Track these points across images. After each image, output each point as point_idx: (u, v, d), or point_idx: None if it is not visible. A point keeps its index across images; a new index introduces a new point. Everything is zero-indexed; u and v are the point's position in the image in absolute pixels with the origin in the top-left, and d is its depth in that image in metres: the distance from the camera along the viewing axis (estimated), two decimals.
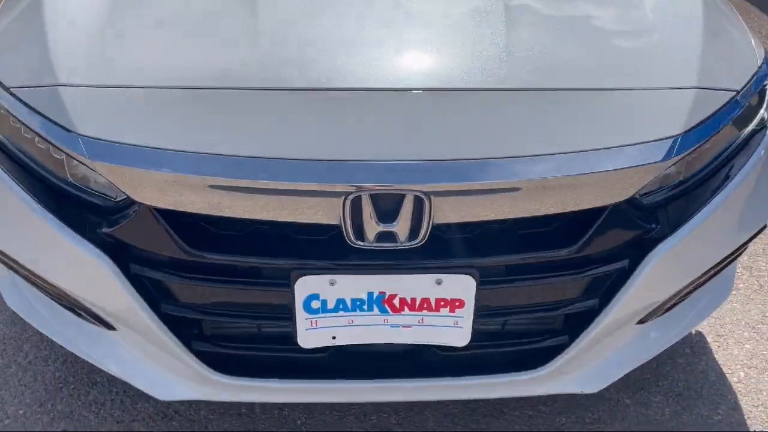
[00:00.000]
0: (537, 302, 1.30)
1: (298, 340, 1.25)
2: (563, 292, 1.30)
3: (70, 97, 1.23)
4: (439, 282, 1.20)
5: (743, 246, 1.50)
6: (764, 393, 1.71)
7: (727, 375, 1.76)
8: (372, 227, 1.16)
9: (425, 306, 1.23)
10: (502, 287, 1.26)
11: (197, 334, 1.33)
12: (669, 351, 1.62)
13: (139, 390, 1.40)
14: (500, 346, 1.37)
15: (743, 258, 2.12)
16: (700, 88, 1.30)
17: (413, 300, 1.22)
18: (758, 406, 1.68)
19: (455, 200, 1.16)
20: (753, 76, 1.42)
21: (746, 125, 1.40)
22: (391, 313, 1.24)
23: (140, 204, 1.18)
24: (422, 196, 1.13)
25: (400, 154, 1.15)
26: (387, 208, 1.15)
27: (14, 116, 1.25)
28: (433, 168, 1.14)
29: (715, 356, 1.82)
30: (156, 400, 1.54)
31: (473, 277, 1.20)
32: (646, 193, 1.26)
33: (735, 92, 1.35)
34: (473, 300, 1.22)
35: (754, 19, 4.25)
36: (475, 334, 1.27)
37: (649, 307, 1.37)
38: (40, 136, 1.22)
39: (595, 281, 1.29)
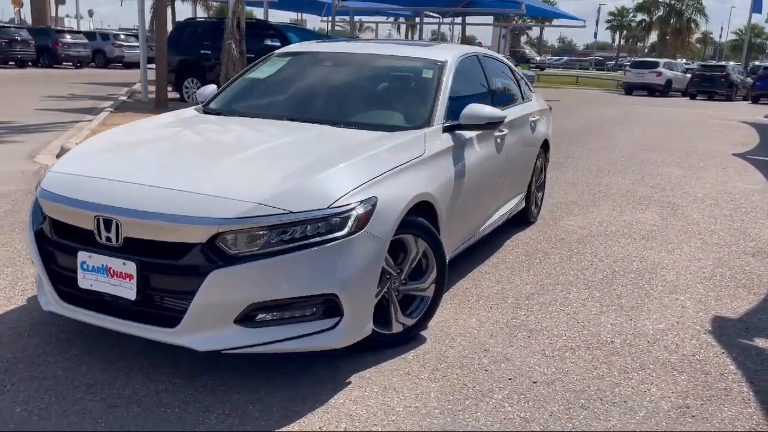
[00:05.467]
0: (171, 288, 2.79)
1: (78, 284, 2.91)
2: (184, 285, 2.76)
3: (51, 175, 3.18)
4: (124, 264, 2.80)
5: (302, 300, 2.78)
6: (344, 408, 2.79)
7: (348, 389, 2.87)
8: (103, 233, 2.83)
9: (120, 275, 2.82)
10: (150, 273, 2.78)
11: (59, 282, 3.06)
12: (331, 376, 2.88)
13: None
14: (157, 309, 2.84)
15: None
16: (261, 204, 2.75)
17: (116, 271, 2.82)
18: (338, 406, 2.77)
19: (131, 226, 2.78)
20: (313, 210, 2.79)
21: (304, 232, 2.77)
22: (110, 276, 2.85)
23: (46, 215, 3.04)
24: (119, 221, 2.79)
25: (114, 202, 2.83)
26: (109, 225, 2.82)
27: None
28: (124, 211, 2.79)
29: (351, 393, 2.93)
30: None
31: (135, 264, 2.77)
32: (216, 243, 2.71)
33: (289, 212, 2.76)
34: (136, 276, 2.78)
35: None
36: (143, 298, 2.80)
37: (223, 308, 2.72)
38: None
39: (192, 281, 2.73)
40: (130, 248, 2.81)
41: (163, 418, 2.66)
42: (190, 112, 4.31)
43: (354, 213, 2.88)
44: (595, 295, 4.23)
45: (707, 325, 3.85)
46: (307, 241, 2.78)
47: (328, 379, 3.02)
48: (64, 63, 30.06)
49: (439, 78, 4.12)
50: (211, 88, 4.65)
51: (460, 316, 3.79)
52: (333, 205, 2.85)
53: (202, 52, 14.73)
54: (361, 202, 2.93)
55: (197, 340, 2.78)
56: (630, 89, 31.07)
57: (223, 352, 2.80)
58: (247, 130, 3.84)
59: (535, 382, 3.07)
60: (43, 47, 28.54)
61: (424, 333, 3.52)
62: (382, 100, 4.18)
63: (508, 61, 5.74)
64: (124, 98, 15.41)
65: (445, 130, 3.87)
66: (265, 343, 2.82)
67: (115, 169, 3.13)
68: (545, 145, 5.99)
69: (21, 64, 27.85)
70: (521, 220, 5.81)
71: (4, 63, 27.65)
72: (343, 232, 2.85)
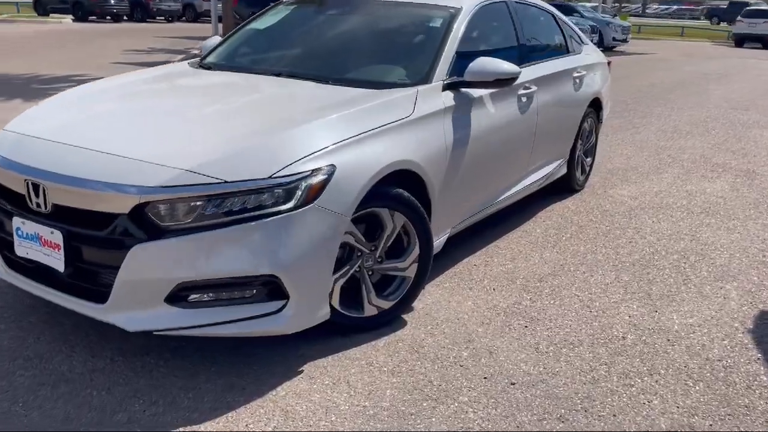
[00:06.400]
0: (99, 261, 2.54)
1: (15, 251, 2.73)
2: (110, 258, 2.50)
3: (1, 134, 2.99)
4: (52, 233, 2.57)
5: (238, 281, 2.47)
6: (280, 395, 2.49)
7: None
8: (34, 199, 2.61)
9: (50, 244, 2.60)
10: (77, 244, 2.55)
11: (3, 247, 2.89)
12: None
13: None
14: (87, 283, 2.60)
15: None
16: (190, 171, 2.43)
17: (46, 240, 2.61)
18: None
19: (57, 192, 2.54)
20: (251, 179, 2.45)
21: (243, 204, 2.44)
22: (41, 245, 2.64)
23: None
24: (45, 186, 2.55)
25: (42, 165, 2.59)
26: (37, 189, 2.59)
27: None
28: (49, 174, 2.55)
29: (297, 385, 2.63)
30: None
31: (62, 233, 2.54)
32: (144, 214, 2.43)
33: (223, 181, 2.44)
34: (63, 246, 2.55)
35: None
36: (73, 270, 2.57)
37: (149, 286, 2.45)
38: None
39: (116, 255, 2.47)
40: (58, 216, 2.58)
41: (84, 402, 2.46)
42: (182, 66, 4.04)
43: (303, 184, 2.53)
44: (622, 280, 3.70)
45: (749, 322, 3.26)
46: (244, 215, 2.46)
47: (279, 367, 2.73)
48: (156, 18, 30.82)
49: (448, 27, 3.63)
50: (214, 40, 4.36)
51: (454, 298, 3.39)
52: (276, 174, 2.50)
53: (272, 3, 14.50)
54: (313, 171, 2.57)
55: (126, 319, 2.53)
56: (741, 41, 28.52)
57: (154, 333, 2.54)
58: (221, 86, 3.52)
59: (513, 384, 2.65)
60: (136, 2, 29.29)
61: (407, 316, 3.16)
62: (382, 53, 3.73)
63: (551, 8, 5.10)
64: (197, 52, 15.47)
65: (447, 87, 3.40)
66: (200, 326, 2.54)
67: (61, 128, 2.89)
68: (596, 104, 5.34)
69: (116, 18, 28.75)
70: (564, 188, 5.25)
71: (101, 17, 28.63)
72: (289, 206, 2.50)
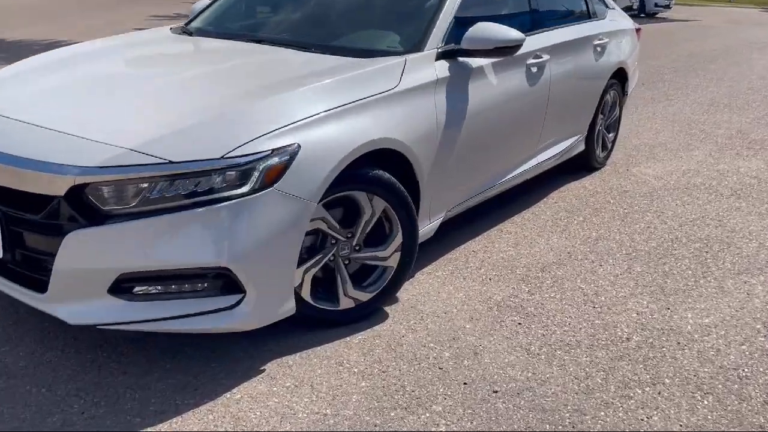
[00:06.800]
0: (38, 248, 2.31)
1: None
2: (48, 245, 2.26)
3: None
4: None
5: (186, 273, 2.22)
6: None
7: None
8: None
9: None
10: (15, 228, 2.32)
11: None
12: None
13: None
14: (27, 270, 2.37)
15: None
16: (133, 150, 2.18)
17: None
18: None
19: None
20: (201, 160, 2.18)
21: (192, 188, 2.18)
22: None
23: None
24: None
25: None
26: None
27: None
28: None
29: (256, 387, 2.39)
30: None
31: None
32: (84, 197, 2.18)
33: (168, 162, 2.17)
34: (0, 230, 2.32)
35: None
36: (12, 256, 2.35)
37: (89, 276, 2.21)
38: None
39: (53, 241, 2.23)
40: None
41: (20, 401, 2.26)
42: (162, 32, 3.78)
43: (260, 165, 2.25)
44: (635, 270, 3.36)
45: None
46: (193, 200, 2.20)
47: (240, 364, 2.49)
48: None
49: None
50: (201, 3, 4.07)
51: (445, 288, 3.10)
52: (230, 154, 2.22)
53: None
54: (273, 150, 2.29)
55: (67, 311, 2.30)
56: None
57: (97, 327, 2.31)
58: (193, 54, 3.26)
59: (495, 392, 2.37)
60: None
61: (390, 309, 2.89)
62: (373, 18, 3.40)
63: None
64: None
65: (442, 56, 3.07)
66: (146, 321, 2.30)
67: (7, 101, 2.65)
68: (620, 75, 4.92)
69: None
70: (582, 165, 4.88)
71: None
72: (243, 190, 2.23)
